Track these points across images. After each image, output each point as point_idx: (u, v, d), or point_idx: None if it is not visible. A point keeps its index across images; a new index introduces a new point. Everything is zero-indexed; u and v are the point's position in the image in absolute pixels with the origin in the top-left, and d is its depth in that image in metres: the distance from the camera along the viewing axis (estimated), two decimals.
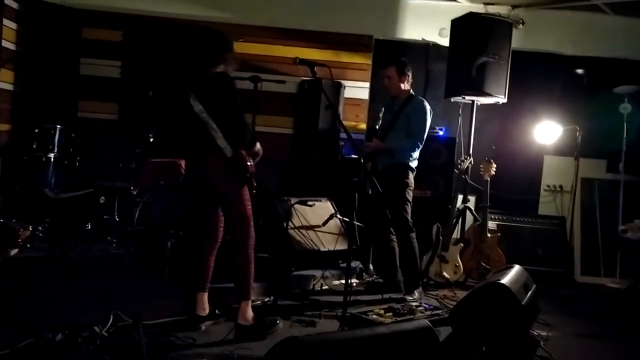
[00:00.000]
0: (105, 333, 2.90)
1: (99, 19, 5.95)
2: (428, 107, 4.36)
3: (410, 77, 4.45)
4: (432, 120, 4.43)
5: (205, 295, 3.32)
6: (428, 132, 5.02)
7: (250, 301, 3.28)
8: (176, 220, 4.05)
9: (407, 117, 4.33)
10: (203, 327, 3.25)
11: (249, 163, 3.19)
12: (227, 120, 3.16)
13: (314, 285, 4.33)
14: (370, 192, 4.48)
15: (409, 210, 4.34)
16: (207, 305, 3.31)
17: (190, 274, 3.41)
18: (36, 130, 4.98)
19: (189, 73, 3.21)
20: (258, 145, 3.34)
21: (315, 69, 3.48)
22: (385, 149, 4.36)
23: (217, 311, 3.40)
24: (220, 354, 2.84)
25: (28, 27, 5.58)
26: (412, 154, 4.33)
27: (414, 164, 4.37)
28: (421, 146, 4.36)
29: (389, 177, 4.27)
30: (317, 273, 4.39)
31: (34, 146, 4.95)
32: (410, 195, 4.36)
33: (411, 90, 4.49)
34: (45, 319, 2.88)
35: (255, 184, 3.27)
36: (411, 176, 4.36)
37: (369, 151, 4.46)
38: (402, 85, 4.41)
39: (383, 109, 4.56)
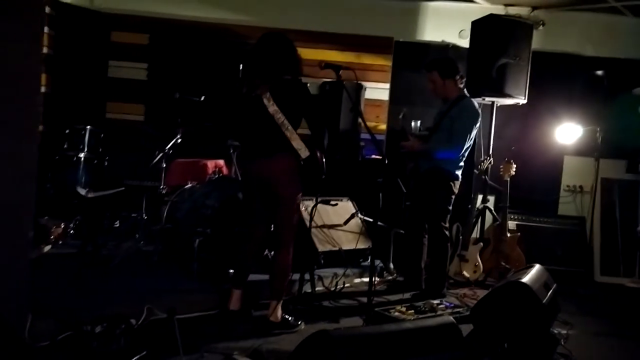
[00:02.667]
0: (139, 326, 3.03)
1: (126, 22, 6.12)
2: (475, 110, 4.23)
3: (459, 77, 4.28)
4: None
5: (240, 293, 3.44)
6: None
7: (281, 301, 3.38)
8: (203, 218, 4.16)
9: (451, 120, 4.21)
10: (234, 322, 3.36)
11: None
12: (308, 124, 3.27)
13: (336, 283, 4.42)
14: (403, 190, 4.48)
15: (448, 219, 4.31)
16: (239, 302, 3.43)
17: (226, 271, 3.52)
18: (67, 131, 5.14)
19: (265, 75, 3.25)
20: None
21: (340, 72, 3.55)
22: (420, 149, 4.29)
23: (247, 309, 3.52)
24: (249, 348, 2.94)
25: (59, 31, 5.76)
26: (453, 159, 4.20)
27: (458, 171, 4.26)
28: (463, 151, 4.21)
29: (430, 181, 4.23)
30: (339, 271, 4.47)
31: (65, 146, 5.11)
32: (451, 204, 4.27)
33: (465, 91, 4.36)
34: (82, 312, 3.01)
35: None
36: (454, 185, 4.24)
37: (405, 150, 4.39)
38: (449, 88, 4.28)
39: (404, 110, 4.60)
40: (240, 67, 4.74)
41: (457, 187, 4.30)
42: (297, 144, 3.20)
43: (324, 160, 3.32)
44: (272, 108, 3.19)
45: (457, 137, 4.17)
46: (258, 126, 3.27)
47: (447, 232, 4.33)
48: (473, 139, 4.29)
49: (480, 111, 4.32)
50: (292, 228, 3.36)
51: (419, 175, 4.33)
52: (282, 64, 3.27)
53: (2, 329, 2.30)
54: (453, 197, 4.30)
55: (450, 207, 4.31)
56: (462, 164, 4.30)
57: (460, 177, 4.31)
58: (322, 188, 5.50)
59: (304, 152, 3.22)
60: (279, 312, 3.35)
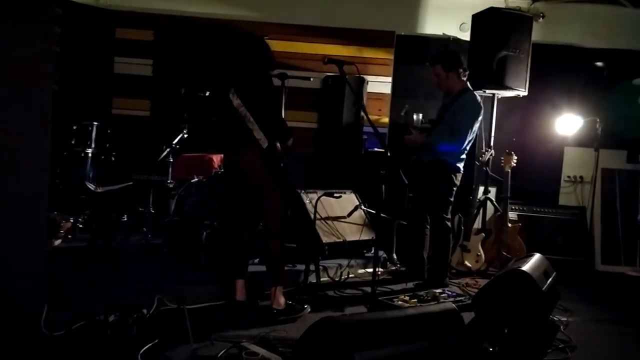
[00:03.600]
0: (150, 316, 3.12)
1: (131, 19, 6.19)
2: (477, 103, 4.27)
3: (462, 70, 4.31)
4: None
5: (243, 282, 3.52)
6: None
7: (282, 287, 3.48)
8: (210, 211, 4.24)
9: (453, 114, 4.25)
10: (241, 312, 3.45)
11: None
12: (265, 113, 3.33)
13: (340, 273, 4.50)
14: (405, 181, 4.54)
15: (449, 211, 4.38)
16: (244, 291, 3.52)
17: (228, 262, 3.62)
18: (74, 127, 5.20)
19: (230, 71, 3.40)
20: (291, 140, 3.51)
21: (343, 67, 3.62)
22: (422, 142, 4.35)
23: (252, 298, 3.61)
24: (257, 336, 3.03)
25: (66, 29, 5.83)
26: (455, 152, 4.25)
27: (460, 164, 4.31)
28: (465, 144, 4.25)
29: (432, 173, 4.30)
30: (343, 262, 4.56)
31: (73, 142, 5.18)
32: (452, 196, 4.33)
33: (468, 84, 4.38)
34: (94, 303, 3.11)
35: (288, 174, 3.45)
36: (456, 177, 4.30)
37: (407, 144, 4.45)
38: (452, 81, 4.31)
39: (406, 106, 4.66)
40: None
41: (459, 179, 4.37)
42: (258, 134, 3.31)
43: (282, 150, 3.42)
44: (236, 102, 3.32)
45: (459, 130, 4.21)
46: (226, 121, 3.40)
47: (448, 223, 4.40)
48: (475, 132, 4.34)
49: (482, 104, 4.37)
50: (278, 216, 3.44)
51: (421, 167, 4.40)
52: (243, 58, 3.39)
53: (20, 319, 2.39)
54: (455, 189, 4.37)
55: (452, 199, 4.38)
56: (464, 156, 4.36)
57: (462, 169, 4.37)
58: (326, 180, 5.63)
59: (264, 143, 3.31)
60: (282, 299, 3.44)
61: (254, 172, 3.37)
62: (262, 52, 3.43)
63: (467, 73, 4.37)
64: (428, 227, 4.47)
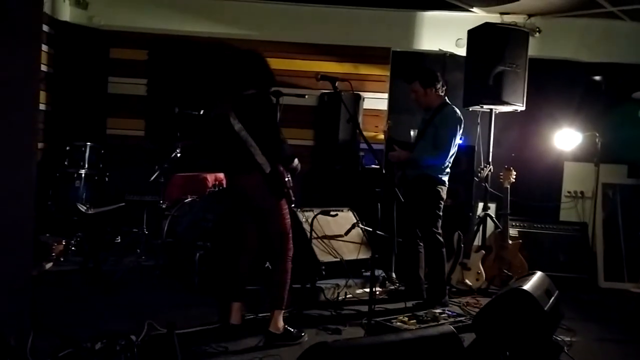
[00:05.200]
0: (140, 342, 3.03)
1: (124, 39, 6.19)
2: (457, 116, 4.31)
3: (440, 86, 4.37)
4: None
5: (239, 305, 3.44)
6: None
7: (282, 311, 3.39)
8: (204, 232, 4.17)
9: (435, 128, 4.31)
10: (235, 336, 3.34)
11: (287, 178, 3.31)
12: (265, 137, 3.27)
13: (338, 294, 4.41)
14: (401, 200, 4.52)
15: (439, 225, 4.33)
16: (240, 315, 3.44)
17: (225, 284, 3.54)
18: (67, 148, 5.17)
19: (228, 94, 3.33)
20: (296, 161, 3.44)
21: (336, 84, 3.57)
22: (407, 158, 4.36)
23: (246, 316, 3.54)
24: None
25: (59, 49, 5.82)
26: (439, 165, 4.27)
27: (444, 176, 4.32)
28: (448, 157, 4.28)
29: (418, 189, 4.28)
30: (341, 282, 4.47)
31: (66, 163, 5.15)
32: (441, 210, 4.32)
33: (446, 98, 4.42)
34: (83, 329, 3.03)
35: (293, 198, 3.39)
36: (442, 190, 4.30)
37: (393, 161, 4.45)
38: (431, 97, 4.36)
39: (389, 122, 4.63)
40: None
41: (445, 192, 4.36)
42: (260, 159, 3.25)
43: (287, 173, 3.35)
44: (237, 126, 3.26)
45: (441, 143, 4.25)
46: (227, 144, 3.34)
47: (439, 238, 4.33)
48: (456, 146, 4.35)
49: (462, 117, 4.38)
50: (284, 237, 3.37)
51: (407, 183, 4.36)
52: (242, 78, 3.33)
53: (4, 347, 2.30)
54: (442, 202, 4.34)
55: (440, 212, 4.34)
56: (448, 170, 4.36)
57: (447, 182, 4.37)
58: (322, 198, 5.56)
59: (266, 167, 3.25)
60: (280, 323, 3.34)
61: (258, 195, 3.30)
62: (261, 71, 3.37)
63: (444, 88, 4.42)
64: (421, 244, 4.42)
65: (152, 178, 4.60)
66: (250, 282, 3.59)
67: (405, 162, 4.39)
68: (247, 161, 3.26)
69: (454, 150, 4.31)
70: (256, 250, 3.49)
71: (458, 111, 4.39)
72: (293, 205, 3.48)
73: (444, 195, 4.34)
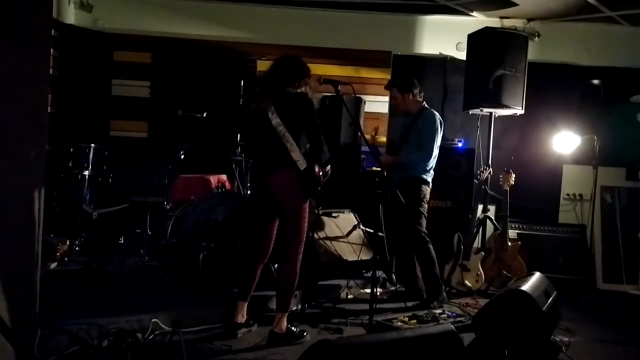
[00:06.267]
0: (146, 340, 3.07)
1: (128, 42, 6.24)
2: (437, 119, 4.46)
3: (418, 91, 4.52)
4: (450, 132, 4.53)
5: (246, 305, 3.48)
6: (447, 144, 5.16)
7: (287, 313, 3.42)
8: (207, 233, 4.22)
9: (418, 131, 4.45)
10: (239, 335, 3.40)
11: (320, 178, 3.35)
12: (308, 136, 3.31)
13: (339, 294, 4.46)
14: (389, 202, 4.59)
15: (424, 223, 4.42)
16: (245, 314, 3.48)
17: (234, 283, 3.59)
18: (71, 149, 5.19)
19: (271, 90, 3.33)
20: (329, 167, 3.47)
21: (338, 87, 3.62)
22: (393, 162, 4.48)
23: (251, 321, 3.57)
24: (254, 359, 2.99)
25: (64, 52, 5.87)
26: (424, 166, 4.41)
27: (428, 177, 4.46)
28: (432, 158, 4.42)
29: (404, 190, 4.28)
30: (342, 282, 4.52)
31: (70, 164, 5.16)
32: (424, 208, 4.43)
33: (424, 103, 4.57)
34: (90, 327, 3.06)
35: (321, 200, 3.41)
36: (426, 189, 4.44)
37: (381, 167, 4.55)
38: (410, 102, 4.52)
39: (378, 127, 4.92)
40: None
41: (428, 192, 4.48)
42: (296, 155, 3.27)
43: (321, 173, 3.38)
44: (275, 120, 3.27)
45: (425, 145, 4.41)
46: (263, 139, 3.35)
47: (424, 235, 4.40)
48: (438, 147, 4.48)
49: (442, 120, 4.53)
50: (299, 241, 3.39)
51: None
52: (285, 77, 3.33)
53: (13, 344, 2.35)
54: (425, 200, 4.44)
55: (424, 211, 4.43)
56: (432, 171, 4.48)
57: (430, 183, 4.49)
58: (324, 200, 5.60)
59: (302, 164, 3.28)
60: (284, 324, 3.39)
61: (286, 195, 3.30)
62: (303, 74, 3.38)
63: (422, 94, 4.57)
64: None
65: (156, 179, 4.63)
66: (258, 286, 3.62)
67: (391, 165, 4.49)
68: (281, 157, 3.27)
69: (436, 151, 4.45)
70: (268, 254, 3.51)
71: (437, 114, 4.54)
72: (320, 207, 3.49)
73: (428, 195, 4.47)
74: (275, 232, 3.47)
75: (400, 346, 2.29)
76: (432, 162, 4.46)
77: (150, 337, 3.13)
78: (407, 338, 2.39)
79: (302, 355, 2.29)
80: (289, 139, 3.26)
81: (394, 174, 4.47)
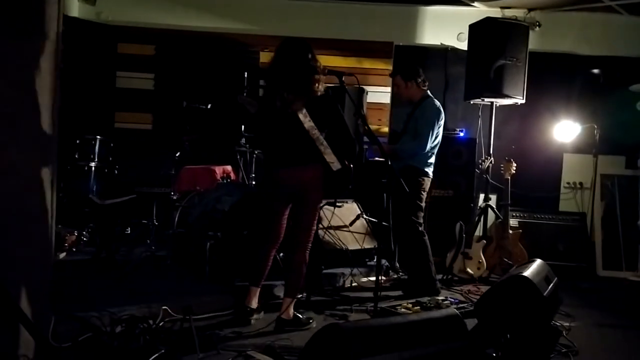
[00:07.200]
0: (157, 326, 3.15)
1: (132, 34, 6.28)
2: (436, 107, 4.41)
3: (421, 80, 4.47)
4: (452, 122, 4.51)
5: (258, 291, 3.55)
6: (449, 133, 5.17)
7: (295, 300, 3.50)
8: (214, 222, 4.28)
9: (415, 120, 4.42)
10: (252, 320, 3.48)
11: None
12: (339, 136, 3.38)
13: (343, 282, 4.53)
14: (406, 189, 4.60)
15: (421, 215, 4.40)
16: (256, 299, 3.55)
17: (246, 269, 3.67)
18: (77, 141, 5.25)
19: (301, 92, 3.33)
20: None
21: (343, 78, 3.67)
22: (389, 151, 4.39)
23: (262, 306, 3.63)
24: (262, 344, 3.06)
25: (68, 45, 5.88)
26: (422, 156, 4.36)
27: (428, 168, 4.41)
28: (428, 147, 4.34)
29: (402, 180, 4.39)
30: (346, 271, 4.59)
31: (76, 156, 5.23)
32: (422, 200, 4.40)
33: (428, 92, 4.53)
34: (101, 314, 3.13)
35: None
36: (425, 181, 4.39)
37: (385, 156, 4.57)
38: (412, 90, 4.48)
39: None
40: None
41: (428, 184, 4.44)
42: (330, 158, 3.33)
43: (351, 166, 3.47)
44: (309, 124, 3.30)
45: (420, 134, 4.34)
46: (293, 139, 3.36)
47: (419, 227, 4.39)
48: (439, 136, 4.44)
49: (441, 109, 4.48)
50: (311, 231, 3.50)
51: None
52: (312, 78, 3.35)
53: (29, 330, 2.42)
54: (423, 192, 4.42)
55: (421, 203, 4.41)
56: (432, 161, 4.44)
57: (430, 174, 4.45)
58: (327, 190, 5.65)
59: (336, 166, 3.35)
60: (291, 310, 3.47)
61: (312, 187, 3.39)
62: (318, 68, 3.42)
63: (426, 83, 4.52)
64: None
65: (162, 169, 4.69)
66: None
67: (390, 155, 4.47)
68: (312, 156, 3.33)
69: (435, 141, 4.40)
70: (280, 241, 3.58)
71: (437, 103, 4.50)
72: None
73: (427, 186, 4.43)
74: (286, 220, 3.54)
75: (406, 329, 2.36)
76: (432, 152, 4.40)
77: (160, 324, 3.20)
78: (412, 322, 2.46)
79: (311, 339, 2.35)
80: (322, 142, 3.32)
81: (393, 164, 4.47)
